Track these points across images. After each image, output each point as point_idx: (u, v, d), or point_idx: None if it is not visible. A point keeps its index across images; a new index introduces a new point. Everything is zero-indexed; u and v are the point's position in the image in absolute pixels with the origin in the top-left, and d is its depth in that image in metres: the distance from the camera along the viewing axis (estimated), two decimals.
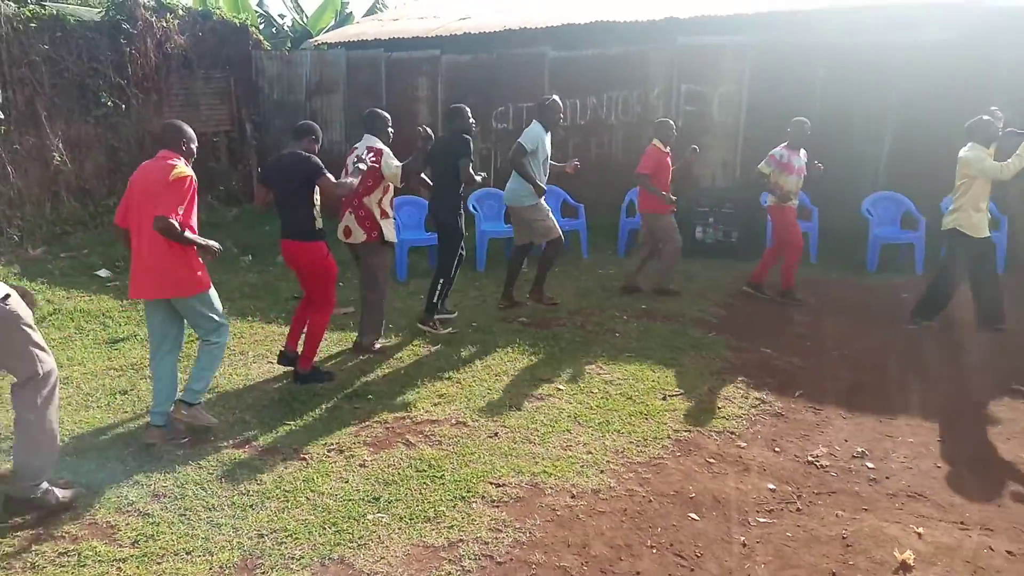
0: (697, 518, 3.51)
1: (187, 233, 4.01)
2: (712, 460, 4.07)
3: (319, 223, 5.02)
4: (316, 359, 5.26)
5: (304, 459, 4.07)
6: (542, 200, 6.50)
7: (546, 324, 6.37)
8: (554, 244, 6.62)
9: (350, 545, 3.27)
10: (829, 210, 8.66)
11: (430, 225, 6.99)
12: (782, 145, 6.95)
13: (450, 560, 3.16)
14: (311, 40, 12.53)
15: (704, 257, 8.51)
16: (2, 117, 8.68)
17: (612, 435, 4.33)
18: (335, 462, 4.04)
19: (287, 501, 3.62)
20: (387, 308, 6.01)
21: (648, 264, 7.41)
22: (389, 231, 5.57)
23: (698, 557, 3.21)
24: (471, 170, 6.06)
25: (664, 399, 4.83)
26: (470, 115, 6.32)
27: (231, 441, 4.29)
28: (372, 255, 5.62)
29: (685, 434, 4.35)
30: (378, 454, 4.12)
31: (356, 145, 5.64)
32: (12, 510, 3.50)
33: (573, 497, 3.66)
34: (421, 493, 3.70)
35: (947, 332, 6.22)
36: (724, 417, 4.59)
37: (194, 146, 4.29)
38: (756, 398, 4.89)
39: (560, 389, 4.99)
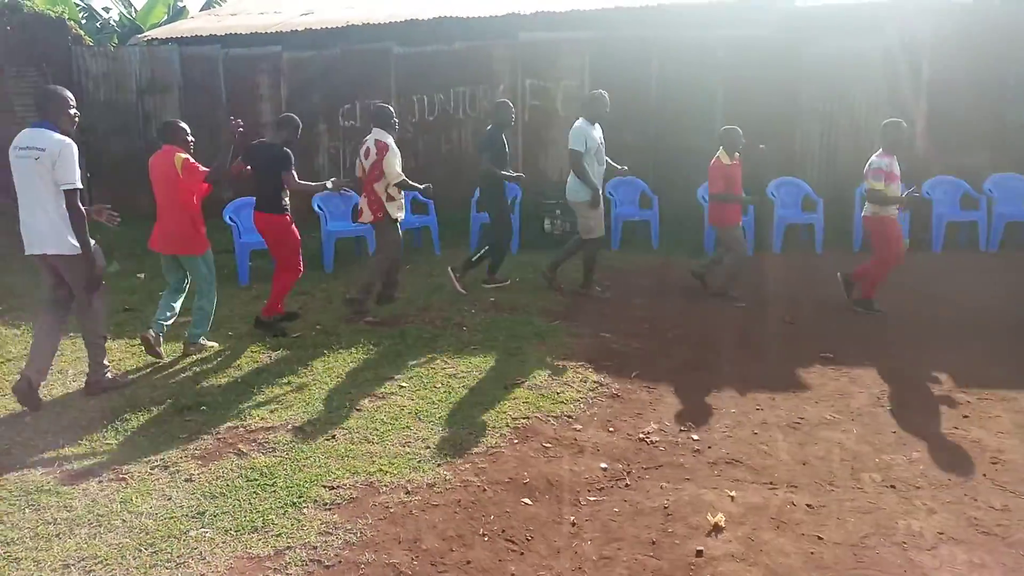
0: (530, 502, 3.57)
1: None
2: (548, 444, 4.16)
3: (286, 202, 5.94)
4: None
5: (124, 479, 3.82)
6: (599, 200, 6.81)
7: (393, 322, 6.30)
8: (592, 243, 6.92)
9: (167, 565, 3.09)
10: (669, 198, 9.09)
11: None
12: (878, 153, 6.33)
13: (275, 569, 3.05)
14: (140, 36, 11.78)
15: (552, 248, 8.64)
16: None
17: (452, 428, 4.33)
18: (158, 479, 3.81)
19: (100, 526, 3.39)
20: (226, 311, 5.82)
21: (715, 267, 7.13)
22: (394, 211, 6.29)
23: (528, 540, 3.27)
24: (489, 165, 6.99)
25: (505, 388, 4.89)
26: (512, 108, 7.24)
27: (40, 468, 3.96)
28: (381, 233, 6.42)
29: (524, 421, 4.42)
30: (207, 467, 3.93)
31: (366, 138, 6.33)
32: (92, 393, 4.89)
33: (408, 493, 3.63)
34: (250, 503, 3.56)
35: (771, 307, 6.67)
36: (562, 402, 4.71)
37: (190, 138, 5.47)
38: (594, 381, 5.04)
39: (403, 386, 4.95)
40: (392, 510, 3.48)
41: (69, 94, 4.63)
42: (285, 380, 5.11)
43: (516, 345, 5.70)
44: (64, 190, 4.42)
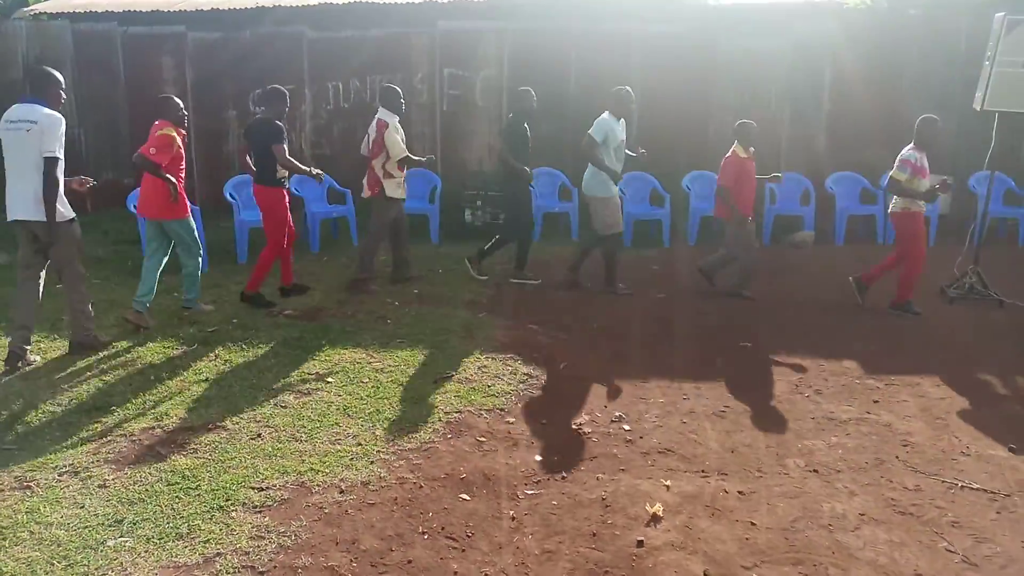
0: (468, 498, 3.53)
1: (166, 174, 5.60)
2: (483, 438, 4.12)
3: (280, 174, 6.14)
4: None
5: (28, 487, 3.55)
6: (615, 195, 6.75)
7: (314, 316, 6.11)
8: (613, 239, 6.82)
9: None
10: None
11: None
12: (910, 147, 6.28)
13: None
14: (26, 9, 10.97)
15: (474, 239, 8.61)
16: None
17: (383, 424, 4.24)
18: (68, 486, 3.56)
19: (4, 539, 3.13)
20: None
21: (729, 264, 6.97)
22: (391, 189, 6.60)
23: (469, 537, 3.23)
24: (509, 156, 6.83)
25: (435, 382, 4.82)
26: (533, 96, 6.98)
27: None
28: (375, 210, 6.77)
29: (456, 415, 4.36)
30: (122, 471, 3.70)
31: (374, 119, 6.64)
32: (76, 352, 5.22)
33: (342, 492, 3.52)
34: (173, 508, 3.37)
35: (687, 299, 6.83)
36: (494, 395, 4.68)
37: (182, 113, 5.79)
38: (524, 374, 5.03)
39: (328, 382, 4.80)
40: (327, 511, 3.37)
41: (61, 76, 4.99)
42: (203, 377, 4.87)
43: (443, 338, 5.63)
44: (44, 157, 4.73)
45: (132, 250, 7.79)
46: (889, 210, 6.60)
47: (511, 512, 3.42)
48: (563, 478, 3.74)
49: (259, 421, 4.25)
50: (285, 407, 4.44)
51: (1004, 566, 3.08)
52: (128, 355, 5.27)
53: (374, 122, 6.59)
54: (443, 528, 3.28)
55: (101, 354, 5.27)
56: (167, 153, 5.59)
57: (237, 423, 4.23)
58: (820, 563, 3.05)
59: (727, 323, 6.22)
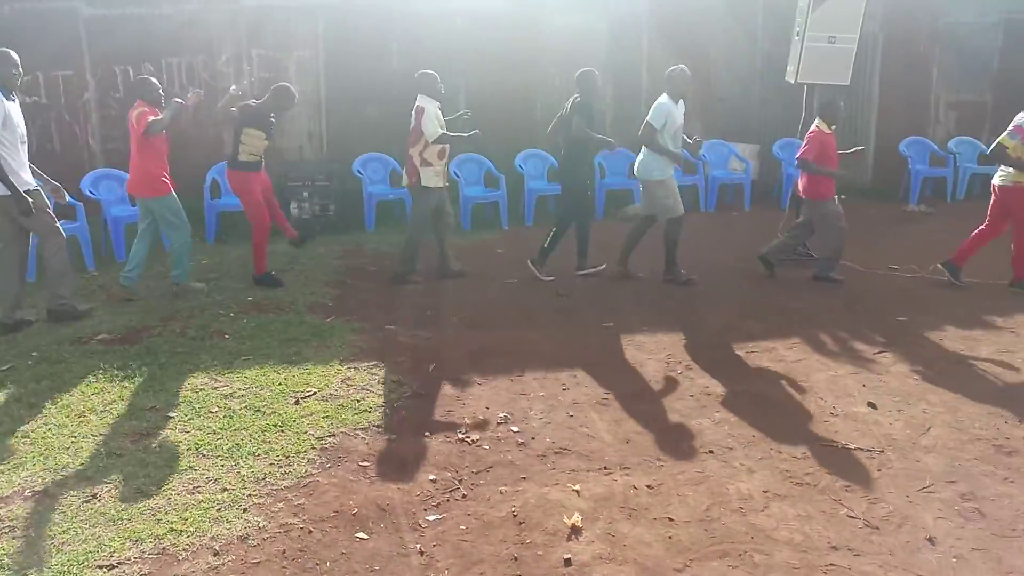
0: (366, 536, 3.14)
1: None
2: (365, 463, 3.72)
3: (243, 157, 6.23)
4: None
5: None
6: (671, 176, 6.50)
7: (135, 338, 5.30)
8: (674, 222, 6.54)
9: None
10: None
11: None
12: None
13: None
14: None
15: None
16: None
17: (247, 460, 3.70)
18: None
19: None
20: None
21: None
22: (428, 177, 6.43)
23: None
24: (586, 129, 6.41)
25: (297, 403, 4.32)
26: (596, 76, 6.60)
27: None
28: (415, 198, 6.76)
29: (330, 440, 3.91)
30: None
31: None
32: (53, 320, 5.54)
33: (216, 554, 3.00)
34: None
35: (542, 282, 6.71)
36: (366, 410, 4.26)
37: (159, 94, 5.97)
38: (393, 382, 4.65)
39: (170, 417, 4.14)
40: None
41: (15, 56, 5.21)
42: (4, 430, 4.02)
43: (294, 350, 5.09)
44: None
45: None
46: (997, 182, 5.97)
47: (417, 546, 3.08)
48: (464, 497, 3.44)
49: (90, 478, 3.55)
50: (121, 455, 3.76)
51: (900, 524, 3.21)
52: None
53: (413, 109, 6.44)
54: None
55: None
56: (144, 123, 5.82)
57: (62, 484, 3.50)
58: (744, 552, 3.01)
59: (584, 304, 6.17)
